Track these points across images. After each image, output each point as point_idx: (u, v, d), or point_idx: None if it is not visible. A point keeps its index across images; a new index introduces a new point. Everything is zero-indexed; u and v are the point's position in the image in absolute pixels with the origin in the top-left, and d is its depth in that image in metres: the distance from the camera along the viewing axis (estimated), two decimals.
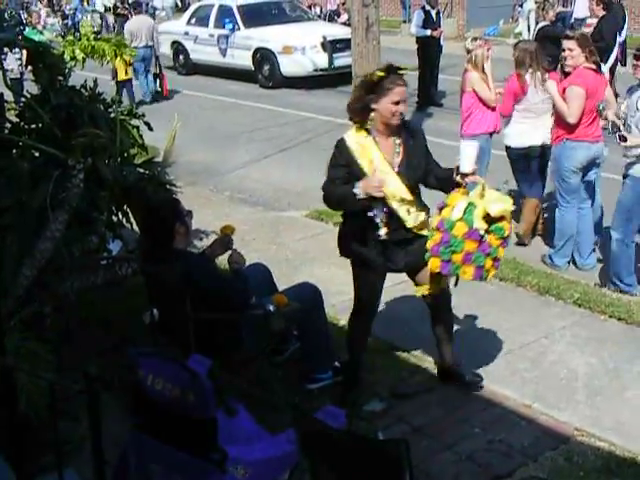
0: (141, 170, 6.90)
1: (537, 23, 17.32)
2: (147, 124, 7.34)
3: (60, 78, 6.82)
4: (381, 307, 7.80)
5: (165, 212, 5.88)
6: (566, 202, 9.02)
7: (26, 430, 4.03)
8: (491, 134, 10.06)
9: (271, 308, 5.86)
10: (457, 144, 10.30)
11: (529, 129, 9.46)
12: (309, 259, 9.13)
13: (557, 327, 7.51)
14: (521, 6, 29.99)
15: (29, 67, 7.28)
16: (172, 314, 5.78)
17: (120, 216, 6.95)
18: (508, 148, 9.68)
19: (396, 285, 8.32)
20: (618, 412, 6.17)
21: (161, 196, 6.75)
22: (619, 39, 15.92)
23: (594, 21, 17.20)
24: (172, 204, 5.99)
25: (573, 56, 8.62)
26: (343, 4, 31.46)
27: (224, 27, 22.94)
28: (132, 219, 7.05)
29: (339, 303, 7.74)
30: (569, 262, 9.24)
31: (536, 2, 29.30)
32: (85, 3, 38.88)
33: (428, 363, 6.85)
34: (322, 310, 6.45)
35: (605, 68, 14.71)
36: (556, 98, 8.79)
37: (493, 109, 9.96)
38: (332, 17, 30.67)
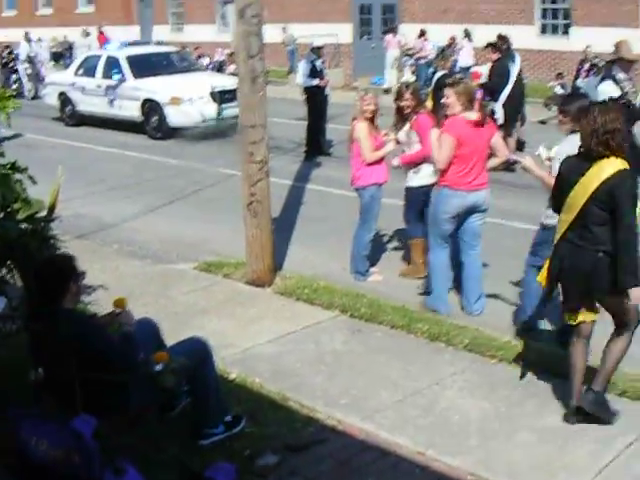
0: (25, 225, 6.73)
1: (435, 71, 17.70)
2: (30, 178, 7.19)
3: None
4: (272, 358, 7.81)
5: (60, 270, 5.75)
6: (438, 246, 9.15)
7: None
8: (380, 185, 10.11)
9: (159, 367, 5.77)
10: (348, 193, 10.46)
11: (429, 169, 9.65)
12: (198, 312, 9.02)
13: (448, 373, 7.53)
14: (408, 56, 30.56)
15: None
16: (58, 373, 5.63)
17: (3, 272, 6.77)
18: (409, 189, 9.79)
19: (285, 336, 8.35)
20: (510, 455, 6.20)
21: (57, 253, 6.62)
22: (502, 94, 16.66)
23: (479, 68, 17.81)
24: (68, 262, 5.86)
25: (449, 104, 8.82)
26: (231, 55, 31.62)
27: (112, 78, 22.75)
28: (16, 276, 6.88)
29: (229, 356, 7.69)
30: (464, 307, 9.35)
31: (407, 53, 30.07)
32: None
33: (320, 414, 6.79)
34: (211, 364, 6.36)
35: (498, 106, 16.07)
36: (432, 144, 9.01)
37: (379, 161, 10.04)
38: (220, 67, 30.79)
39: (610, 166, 6.23)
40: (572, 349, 6.69)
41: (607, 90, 12.35)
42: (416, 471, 6.01)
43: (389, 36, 30.89)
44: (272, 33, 30.61)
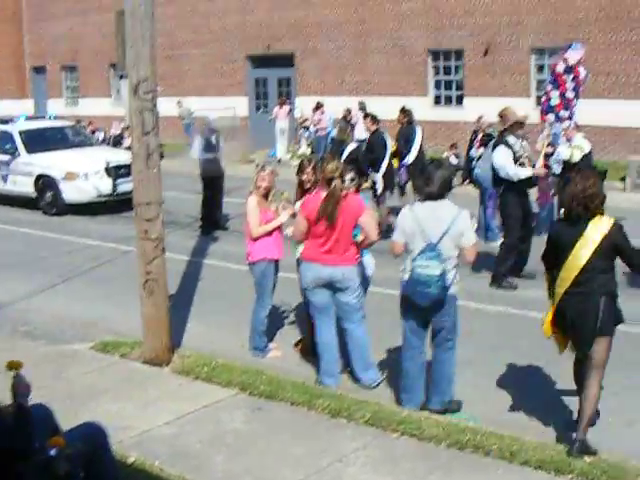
0: None
1: (334, 143, 18.18)
2: None
3: None
4: (172, 439, 7.67)
5: None
6: (318, 319, 9.23)
7: None
8: (273, 260, 10.15)
9: (52, 452, 5.60)
10: (245, 268, 10.41)
11: None
12: (95, 394, 8.82)
13: (351, 449, 7.47)
14: (304, 128, 30.88)
15: None
16: None
17: None
18: (299, 261, 9.84)
19: (184, 416, 8.22)
20: None
21: None
22: (406, 160, 17.49)
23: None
24: None
25: (309, 180, 9.22)
26: (127, 128, 31.49)
27: (4, 153, 22.44)
28: None
29: (127, 439, 7.53)
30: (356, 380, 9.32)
31: (303, 125, 30.44)
32: None
33: None
34: (108, 449, 6.21)
35: (378, 176, 16.86)
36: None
37: (275, 234, 10.08)
38: (116, 141, 30.63)
39: (604, 224, 7.38)
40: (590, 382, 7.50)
41: (500, 155, 12.77)
42: None
43: (277, 108, 31.28)
44: (168, 106, 30.70)
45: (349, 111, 27.47)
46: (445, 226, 7.97)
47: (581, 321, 7.46)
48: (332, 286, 9.02)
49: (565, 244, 7.50)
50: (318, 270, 8.93)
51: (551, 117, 14.28)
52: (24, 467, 5.53)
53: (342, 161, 15.17)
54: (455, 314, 8.31)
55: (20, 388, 5.83)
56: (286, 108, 31.32)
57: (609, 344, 7.49)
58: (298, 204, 9.72)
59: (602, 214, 7.46)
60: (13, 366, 5.93)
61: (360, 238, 9.03)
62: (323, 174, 8.82)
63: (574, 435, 7.44)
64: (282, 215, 10.06)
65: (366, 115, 18.76)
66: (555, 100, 14.02)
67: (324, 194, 8.79)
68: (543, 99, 14.59)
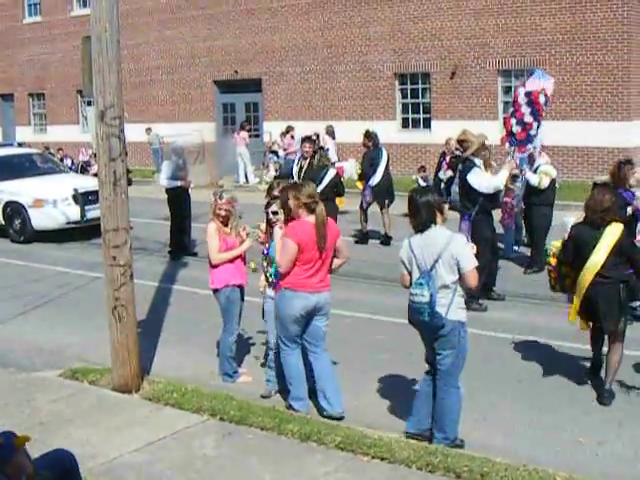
0: None
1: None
2: None
3: None
4: (142, 466, 7.63)
5: None
6: (287, 347, 9.11)
7: None
8: (237, 286, 10.15)
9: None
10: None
11: None
12: (64, 421, 8.76)
13: (321, 473, 7.45)
14: (272, 153, 30.93)
15: None
16: None
17: None
18: None
19: (154, 443, 8.18)
20: None
21: None
22: (371, 181, 18.15)
23: (345, 164, 19.03)
24: None
25: (290, 208, 8.90)
26: (94, 155, 31.43)
27: None
28: None
29: (96, 467, 7.50)
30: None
31: (272, 150, 30.54)
32: None
33: None
34: (78, 476, 6.17)
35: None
36: (277, 247, 9.11)
37: (237, 260, 10.13)
38: (84, 168, 30.55)
39: (617, 229, 9.37)
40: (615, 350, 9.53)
41: (475, 176, 13.01)
42: None
43: (235, 133, 31.35)
44: (136, 132, 30.67)
45: (317, 135, 27.53)
46: (437, 252, 7.90)
47: (606, 303, 9.35)
48: (314, 313, 8.95)
49: (586, 243, 9.44)
50: (306, 298, 8.82)
51: (510, 145, 14.51)
52: None
53: (325, 186, 15.52)
54: (460, 344, 8.10)
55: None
56: (244, 134, 31.30)
57: (626, 320, 9.60)
58: (276, 233, 9.46)
59: (616, 221, 9.44)
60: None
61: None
62: (302, 199, 8.74)
63: (605, 386, 9.41)
64: (245, 244, 10.09)
65: (366, 134, 20.00)
66: (516, 127, 14.19)
67: (309, 219, 8.75)
68: (505, 126, 14.77)
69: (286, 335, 9.01)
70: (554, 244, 10.17)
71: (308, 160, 16.83)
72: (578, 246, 9.55)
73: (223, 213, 10.06)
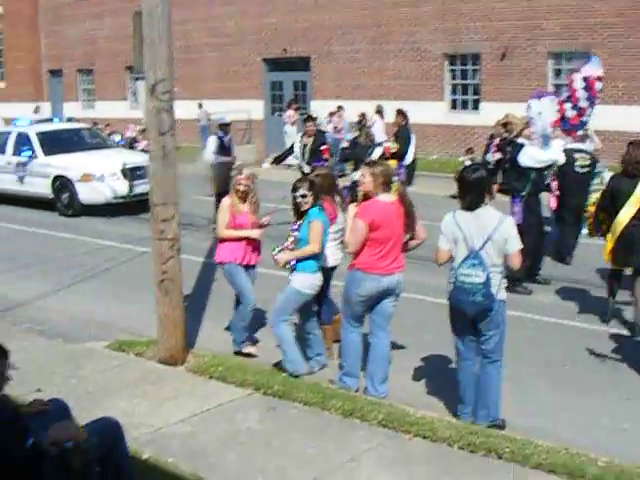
0: None
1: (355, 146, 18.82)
2: None
3: None
4: (186, 437, 7.71)
5: None
6: (349, 325, 9.11)
7: None
8: (244, 266, 10.23)
9: (69, 444, 5.65)
10: (258, 269, 10.44)
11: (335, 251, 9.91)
12: (110, 391, 8.87)
13: (363, 449, 7.49)
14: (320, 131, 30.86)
15: None
16: None
17: None
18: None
19: (198, 415, 8.26)
20: None
21: None
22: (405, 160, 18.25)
23: (391, 144, 18.93)
24: None
25: (364, 182, 8.79)
26: (142, 131, 31.57)
27: (22, 154, 22.55)
28: None
29: (142, 436, 7.58)
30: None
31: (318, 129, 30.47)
32: None
33: None
34: (124, 445, 6.25)
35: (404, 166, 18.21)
36: (347, 227, 9.01)
37: (246, 240, 10.16)
38: (132, 144, 30.70)
39: None
40: None
41: (527, 153, 13.04)
42: None
43: (288, 111, 31.29)
44: (184, 109, 30.76)
45: (364, 115, 27.47)
46: (488, 233, 7.85)
47: None
48: (385, 295, 8.89)
49: (622, 192, 10.69)
50: (377, 280, 8.73)
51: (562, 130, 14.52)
52: (40, 460, 5.59)
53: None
54: (503, 323, 8.14)
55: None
56: (291, 112, 31.28)
57: None
58: (350, 211, 9.24)
59: None
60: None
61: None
62: (379, 178, 8.65)
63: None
64: (254, 231, 10.10)
65: (400, 112, 20.08)
66: (570, 112, 14.14)
67: (384, 198, 8.69)
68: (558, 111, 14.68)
69: (351, 314, 9.02)
70: (594, 195, 10.73)
71: (308, 141, 17.27)
72: (615, 194, 10.82)
73: (242, 188, 10.16)
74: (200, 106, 34.39)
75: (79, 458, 5.69)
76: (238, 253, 10.14)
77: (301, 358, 9.54)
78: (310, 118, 18.14)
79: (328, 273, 9.98)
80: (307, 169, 16.85)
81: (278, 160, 19.38)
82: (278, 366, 9.60)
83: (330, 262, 9.91)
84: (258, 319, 11.14)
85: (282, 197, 16.37)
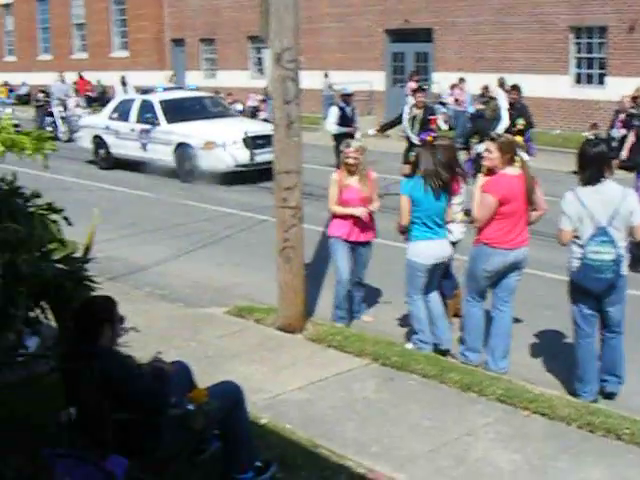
0: (60, 265, 6.75)
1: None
2: (66, 219, 7.21)
3: None
4: (303, 404, 7.77)
5: (99, 311, 5.82)
6: (473, 299, 9.06)
7: None
8: (352, 243, 10.19)
9: (191, 407, 5.76)
10: (377, 241, 10.44)
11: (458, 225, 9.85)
12: (229, 356, 9.00)
13: (480, 424, 7.45)
14: (441, 104, 30.64)
15: None
16: (90, 413, 5.63)
17: (38, 312, 6.77)
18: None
19: (316, 383, 8.31)
20: None
21: (98, 295, 6.65)
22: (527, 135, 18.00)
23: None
24: (107, 305, 5.92)
25: (491, 158, 8.71)
26: (263, 101, 31.81)
27: (145, 122, 22.94)
28: (50, 315, 6.90)
29: (260, 401, 7.66)
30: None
31: (440, 101, 30.26)
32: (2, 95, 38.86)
33: (351, 462, 6.72)
34: (244, 409, 6.33)
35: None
36: (473, 200, 8.92)
37: (352, 218, 10.06)
38: (253, 114, 30.94)
39: None
40: None
41: None
42: None
43: (410, 83, 31.05)
44: (305, 79, 30.83)
45: (486, 88, 27.16)
46: (613, 207, 7.73)
47: None
48: (510, 269, 8.83)
49: None
50: (504, 255, 8.68)
51: None
52: (161, 420, 5.71)
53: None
54: (625, 297, 8.09)
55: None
56: (412, 84, 31.04)
57: None
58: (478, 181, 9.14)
59: None
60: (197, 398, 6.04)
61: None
62: (505, 152, 8.59)
63: None
64: (357, 209, 9.95)
65: (515, 87, 19.91)
66: None
67: (510, 171, 8.61)
68: None
69: (475, 288, 8.97)
70: None
71: (417, 112, 17.36)
72: None
73: (351, 161, 10.02)
74: (326, 76, 34.48)
75: (201, 420, 5.82)
76: (344, 229, 10.11)
77: (427, 337, 9.46)
78: (420, 89, 18.14)
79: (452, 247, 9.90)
80: (416, 140, 16.80)
81: (384, 129, 19.28)
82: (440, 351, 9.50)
83: (455, 236, 9.81)
84: (373, 292, 11.16)
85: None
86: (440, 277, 9.68)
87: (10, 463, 5.47)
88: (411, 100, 22.36)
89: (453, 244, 9.81)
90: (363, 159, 10.19)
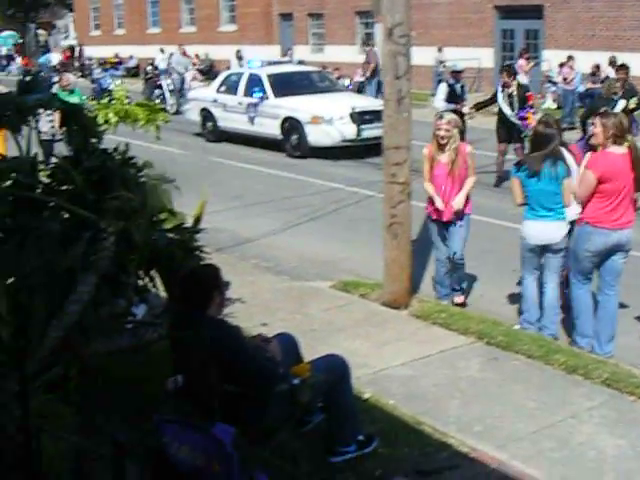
0: (171, 235, 6.86)
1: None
2: (177, 188, 7.33)
3: (93, 140, 6.82)
4: (407, 380, 7.78)
5: (206, 278, 5.93)
6: (578, 282, 8.90)
7: None
8: (443, 223, 10.06)
9: (296, 381, 5.82)
10: (482, 218, 10.33)
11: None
12: (334, 330, 9.05)
13: (585, 407, 7.36)
14: (550, 82, 30.19)
15: (62, 128, 7.28)
16: (198, 381, 5.72)
17: (147, 280, 6.90)
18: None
19: (420, 360, 8.30)
20: None
21: (204, 263, 6.76)
22: None
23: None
24: (214, 272, 6.01)
25: (595, 133, 8.59)
26: (371, 77, 31.73)
27: (253, 96, 23.10)
28: (158, 284, 7.01)
29: (363, 376, 7.68)
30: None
31: (550, 80, 29.76)
32: (109, 68, 39.49)
33: (453, 440, 6.71)
34: (349, 383, 6.36)
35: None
36: (577, 177, 8.78)
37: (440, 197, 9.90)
38: (360, 89, 30.89)
39: None
40: None
41: None
42: None
43: (520, 61, 30.58)
44: (417, 55, 30.63)
45: (598, 67, 26.70)
46: None
47: None
48: (614, 250, 8.67)
49: None
50: (606, 235, 8.53)
51: None
52: (268, 392, 5.77)
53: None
54: None
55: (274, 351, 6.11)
56: (522, 62, 30.59)
57: None
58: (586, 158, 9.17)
59: None
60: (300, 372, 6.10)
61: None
62: (609, 129, 8.40)
63: None
64: (438, 201, 9.80)
65: (624, 66, 19.12)
66: None
67: (615, 150, 8.44)
68: None
69: (579, 269, 8.82)
70: None
71: (512, 90, 17.17)
72: None
73: (442, 133, 9.71)
74: (440, 50, 34.28)
75: (307, 394, 5.87)
76: (433, 208, 9.99)
77: (532, 318, 9.33)
78: (506, 68, 17.96)
79: None
80: (514, 119, 17.11)
81: (479, 107, 19.09)
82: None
83: (569, 217, 9.63)
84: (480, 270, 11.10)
85: None
86: (561, 263, 9.34)
87: (120, 428, 5.58)
88: (521, 77, 22.30)
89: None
90: (455, 133, 9.89)
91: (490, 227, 12.34)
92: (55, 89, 18.98)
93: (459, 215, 9.97)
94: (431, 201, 9.95)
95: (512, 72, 17.69)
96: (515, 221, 9.79)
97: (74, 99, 15.54)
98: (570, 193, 8.72)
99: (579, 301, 8.95)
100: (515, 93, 17.17)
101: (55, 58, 48.04)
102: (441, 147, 9.83)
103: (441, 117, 9.97)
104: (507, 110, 17.24)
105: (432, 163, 9.91)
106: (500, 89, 17.59)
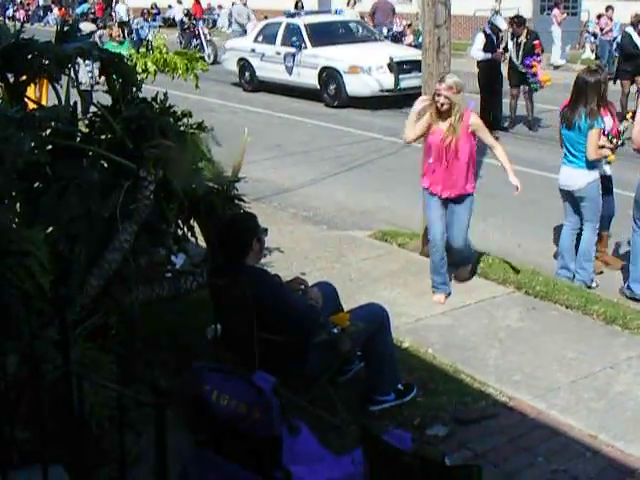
0: (210, 184, 6.88)
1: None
2: (214, 138, 7.33)
3: (132, 90, 6.82)
4: (445, 329, 7.79)
5: (244, 227, 5.94)
6: (639, 228, 8.84)
7: (86, 440, 4.00)
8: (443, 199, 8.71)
9: (336, 330, 5.84)
10: (521, 169, 10.21)
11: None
12: (373, 280, 9.06)
13: (623, 357, 7.35)
14: (589, 33, 29.80)
15: (101, 78, 7.29)
16: (237, 330, 5.76)
17: (186, 230, 6.93)
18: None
19: (459, 309, 8.30)
20: None
21: (242, 212, 6.79)
22: None
23: None
24: (252, 220, 6.01)
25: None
26: (409, 26, 31.44)
27: (291, 45, 23.00)
28: (197, 233, 7.05)
29: (402, 325, 7.71)
30: None
31: (588, 30, 29.35)
32: (150, 19, 39.24)
33: (492, 389, 6.73)
34: (389, 332, 6.38)
35: None
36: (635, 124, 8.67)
37: (436, 169, 8.42)
38: (398, 38, 30.62)
39: None
40: None
41: None
42: (587, 454, 5.87)
43: (555, 10, 30.14)
44: (456, 5, 30.30)
45: (638, 16, 26.22)
46: None
47: None
48: None
49: None
50: None
51: None
52: (308, 341, 5.80)
53: None
54: None
55: (314, 297, 6.13)
56: (557, 11, 30.11)
57: None
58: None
59: None
60: (339, 322, 6.10)
61: None
62: None
63: None
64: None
65: None
66: None
67: None
68: None
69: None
70: None
71: (521, 39, 17.38)
72: None
73: (441, 100, 8.10)
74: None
75: (347, 343, 5.89)
76: (429, 181, 8.61)
77: (566, 264, 9.26)
78: (515, 19, 17.94)
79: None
80: (521, 67, 17.34)
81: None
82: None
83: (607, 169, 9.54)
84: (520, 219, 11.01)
85: None
86: (593, 212, 9.10)
87: (160, 376, 5.64)
88: (555, 28, 22.11)
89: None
90: (460, 99, 8.23)
91: (531, 177, 12.24)
92: (105, 40, 19.18)
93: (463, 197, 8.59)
94: (429, 171, 8.49)
95: (521, 22, 17.78)
96: (554, 171, 9.69)
97: (123, 50, 15.56)
98: (593, 144, 8.65)
99: (637, 247, 8.91)
100: (524, 42, 17.36)
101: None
102: (441, 115, 8.25)
103: (442, 80, 8.29)
104: (514, 58, 17.50)
105: (428, 129, 8.41)
106: (510, 37, 17.82)
